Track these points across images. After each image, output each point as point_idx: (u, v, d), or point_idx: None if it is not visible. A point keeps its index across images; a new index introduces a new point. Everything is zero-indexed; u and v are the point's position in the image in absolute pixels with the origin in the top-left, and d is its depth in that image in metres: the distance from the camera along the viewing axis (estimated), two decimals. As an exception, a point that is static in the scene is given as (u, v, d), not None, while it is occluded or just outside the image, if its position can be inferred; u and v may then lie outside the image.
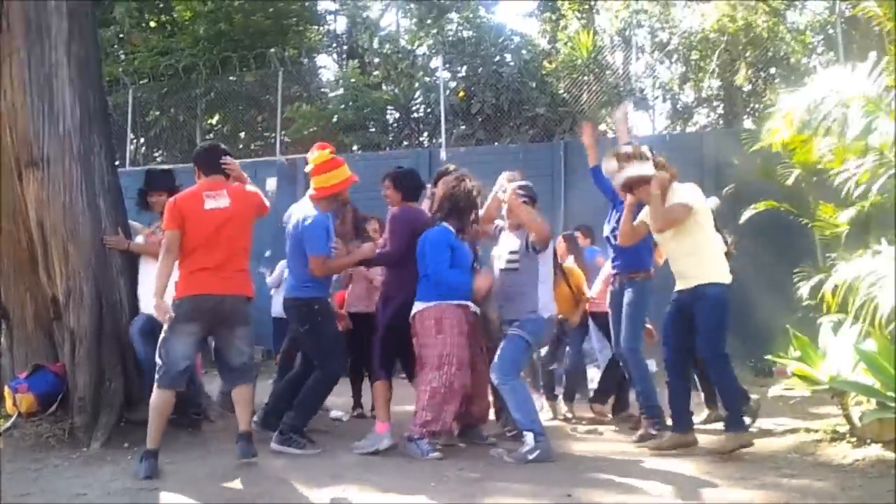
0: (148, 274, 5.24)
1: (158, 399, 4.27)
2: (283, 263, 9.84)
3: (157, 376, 4.30)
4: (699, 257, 4.61)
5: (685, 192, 4.63)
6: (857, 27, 13.13)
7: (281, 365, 6.11)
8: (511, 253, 4.86)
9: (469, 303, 4.78)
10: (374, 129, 14.92)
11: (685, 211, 4.55)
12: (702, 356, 4.74)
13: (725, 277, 4.63)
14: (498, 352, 4.73)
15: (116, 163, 6.01)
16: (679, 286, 4.72)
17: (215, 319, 4.40)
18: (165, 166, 6.91)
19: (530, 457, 4.46)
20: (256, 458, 4.38)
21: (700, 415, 5.53)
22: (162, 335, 4.36)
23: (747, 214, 7.92)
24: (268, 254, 8.68)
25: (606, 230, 5.51)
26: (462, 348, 4.65)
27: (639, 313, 5.30)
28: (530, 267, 4.78)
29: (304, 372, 5.09)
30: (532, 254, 4.76)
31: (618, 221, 5.06)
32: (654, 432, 5.02)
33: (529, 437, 4.53)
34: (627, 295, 5.27)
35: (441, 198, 4.94)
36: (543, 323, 4.75)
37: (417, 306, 4.72)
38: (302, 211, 4.96)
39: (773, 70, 15.06)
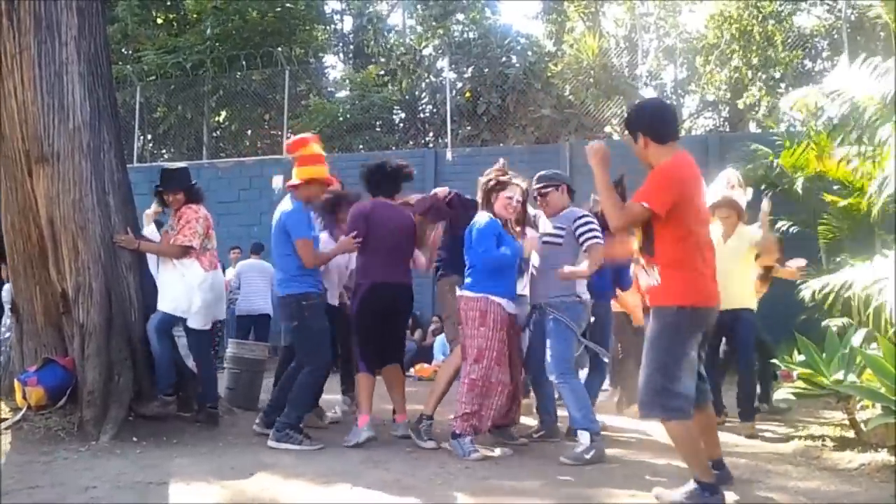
0: (168, 274, 5.29)
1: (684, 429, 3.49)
2: (243, 265, 10.22)
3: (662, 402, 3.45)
4: None
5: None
6: (861, 31, 13.15)
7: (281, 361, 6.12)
8: (557, 228, 4.89)
9: (508, 303, 4.78)
10: (380, 129, 14.94)
11: None
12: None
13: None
14: (549, 350, 4.72)
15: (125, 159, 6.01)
16: None
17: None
18: (174, 164, 6.91)
19: (587, 456, 4.42)
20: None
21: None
22: (669, 352, 3.46)
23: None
24: None
25: None
26: (502, 344, 4.67)
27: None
28: (572, 247, 4.76)
29: (299, 367, 5.13)
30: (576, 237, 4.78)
31: None
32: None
33: (585, 437, 4.49)
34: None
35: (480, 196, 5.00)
36: (581, 306, 4.74)
37: (464, 294, 4.75)
38: (282, 206, 5.06)
39: (774, 74, 15.10)
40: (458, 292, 4.83)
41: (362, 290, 5.09)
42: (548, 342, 4.76)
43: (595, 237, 4.73)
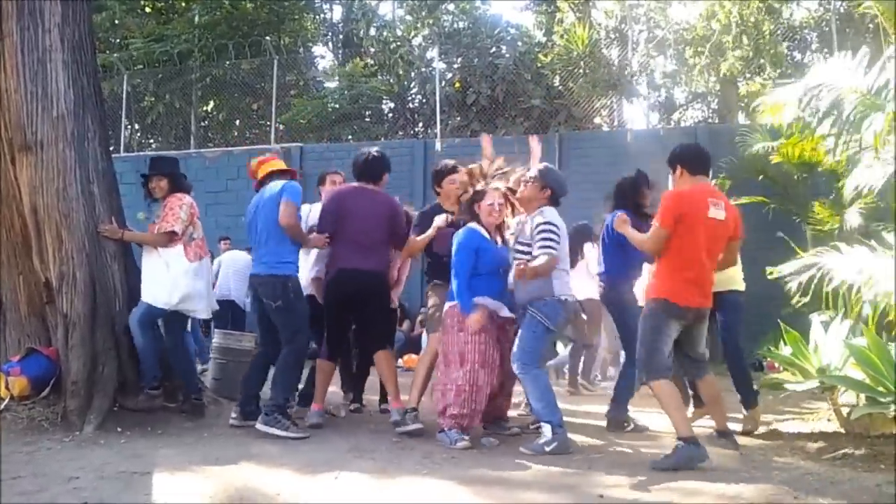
0: (151, 264, 5.24)
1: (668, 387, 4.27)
2: (225, 254, 10.34)
3: (646, 368, 4.30)
4: None
5: None
6: (851, 24, 13.18)
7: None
8: (522, 243, 4.82)
9: (492, 306, 4.77)
10: (369, 119, 14.89)
11: None
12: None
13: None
14: (517, 341, 4.70)
15: (111, 148, 5.96)
16: None
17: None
18: (161, 153, 6.87)
19: (547, 448, 4.43)
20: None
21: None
22: (652, 330, 4.32)
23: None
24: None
25: None
26: (484, 345, 4.69)
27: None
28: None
29: (265, 353, 5.21)
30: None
31: None
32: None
33: (547, 429, 4.52)
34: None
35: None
36: (560, 306, 4.69)
37: (447, 304, 4.83)
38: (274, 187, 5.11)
39: (762, 63, 15.09)
40: (447, 305, 4.87)
41: (327, 277, 5.26)
42: (519, 332, 4.75)
43: (547, 248, 4.60)
